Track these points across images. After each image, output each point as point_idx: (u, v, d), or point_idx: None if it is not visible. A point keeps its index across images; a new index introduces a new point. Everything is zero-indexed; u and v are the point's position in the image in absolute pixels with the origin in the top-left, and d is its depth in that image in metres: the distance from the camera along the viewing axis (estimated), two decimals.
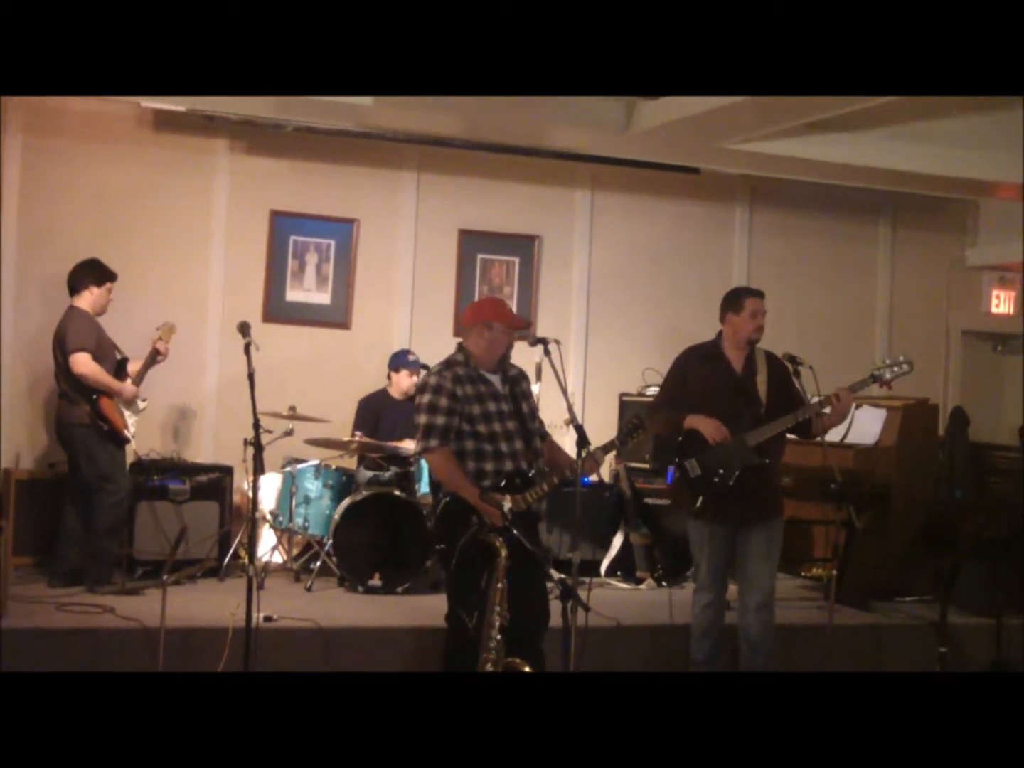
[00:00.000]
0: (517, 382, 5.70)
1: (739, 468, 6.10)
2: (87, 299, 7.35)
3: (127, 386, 7.37)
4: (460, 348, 5.67)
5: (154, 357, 7.52)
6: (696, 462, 6.21)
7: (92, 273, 7.38)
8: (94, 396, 7.19)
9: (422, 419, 5.47)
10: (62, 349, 7.21)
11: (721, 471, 6.14)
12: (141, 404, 7.50)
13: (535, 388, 7.86)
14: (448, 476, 5.43)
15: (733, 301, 6.39)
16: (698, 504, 6.22)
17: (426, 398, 5.48)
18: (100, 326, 7.34)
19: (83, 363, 7.15)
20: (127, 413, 7.37)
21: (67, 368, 7.18)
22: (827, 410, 6.18)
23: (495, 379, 5.61)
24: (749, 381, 6.29)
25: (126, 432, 7.32)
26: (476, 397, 5.50)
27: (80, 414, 7.18)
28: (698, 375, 6.36)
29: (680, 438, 6.30)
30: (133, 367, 7.49)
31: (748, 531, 6.25)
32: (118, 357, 7.46)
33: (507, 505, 5.00)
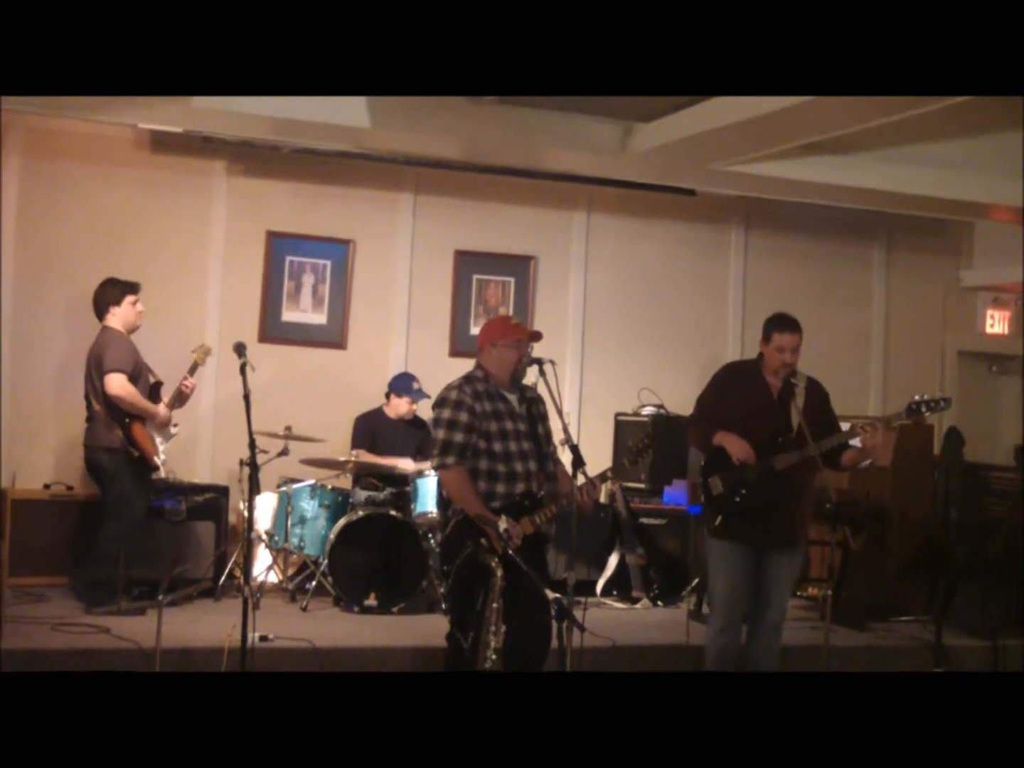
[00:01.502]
0: (535, 403, 5.69)
1: (762, 490, 6.05)
2: (117, 317, 7.30)
3: (161, 408, 7.31)
4: (479, 365, 5.67)
5: (179, 398, 7.48)
6: (720, 479, 6.17)
7: (109, 292, 7.34)
8: (127, 420, 7.13)
9: (440, 434, 5.44)
10: (98, 370, 7.13)
11: (743, 491, 6.07)
12: (173, 430, 7.45)
13: None
14: (461, 495, 5.40)
15: (764, 330, 6.32)
16: (717, 522, 6.18)
17: (446, 413, 5.45)
18: (136, 348, 7.28)
19: (118, 384, 7.06)
20: (158, 439, 7.32)
21: (102, 389, 7.11)
22: (857, 441, 6.11)
23: (513, 398, 5.60)
24: (783, 405, 6.18)
25: (156, 459, 7.26)
26: (494, 414, 5.49)
27: (111, 438, 7.11)
28: (734, 393, 6.29)
29: (707, 455, 6.28)
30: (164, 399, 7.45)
31: (769, 556, 6.18)
32: (152, 380, 7.40)
33: (503, 526, 5.01)
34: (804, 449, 6.00)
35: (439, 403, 5.54)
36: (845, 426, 6.26)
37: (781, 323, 6.29)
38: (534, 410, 5.66)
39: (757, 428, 6.11)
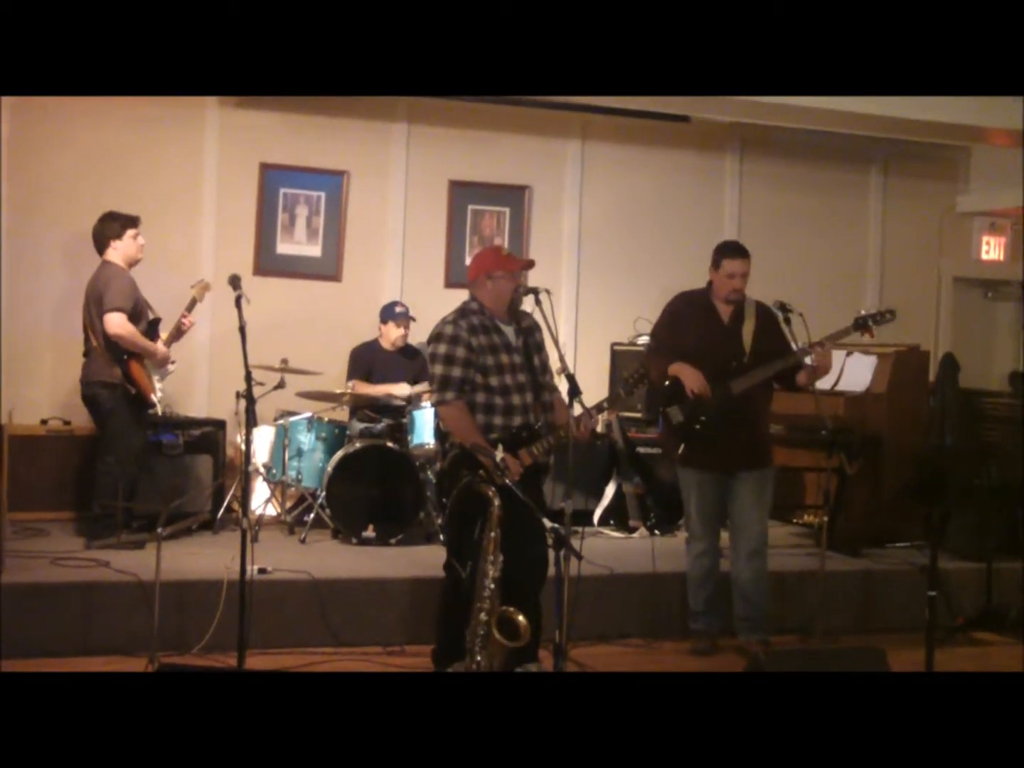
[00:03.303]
0: (531, 333, 5.65)
1: (721, 416, 6.14)
2: (118, 252, 7.25)
3: (159, 347, 7.28)
4: (473, 297, 5.62)
5: (179, 332, 7.46)
6: (679, 409, 6.26)
7: (110, 226, 7.27)
8: (125, 357, 7.09)
9: (438, 370, 5.42)
10: (98, 306, 7.08)
11: (702, 418, 6.19)
12: (170, 367, 7.44)
13: None
14: (461, 430, 5.39)
15: (714, 257, 6.43)
16: (680, 451, 6.28)
17: (442, 348, 5.42)
18: (136, 284, 7.23)
19: (118, 323, 7.02)
20: (155, 377, 7.28)
21: (101, 326, 7.07)
22: (809, 359, 6.19)
23: (509, 330, 5.57)
24: (735, 330, 6.33)
25: (153, 397, 7.23)
26: (490, 348, 5.46)
27: (109, 373, 7.08)
28: (687, 322, 6.42)
29: (665, 385, 6.33)
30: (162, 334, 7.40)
31: (736, 479, 6.31)
32: (150, 317, 7.35)
33: (499, 455, 5.02)
34: (757, 371, 6.15)
35: (435, 338, 5.50)
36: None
37: (731, 250, 6.42)
38: (530, 340, 5.63)
39: (711, 355, 6.26)
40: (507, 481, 4.93)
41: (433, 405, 5.64)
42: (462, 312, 5.54)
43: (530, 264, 5.89)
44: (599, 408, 5.63)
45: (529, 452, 5.38)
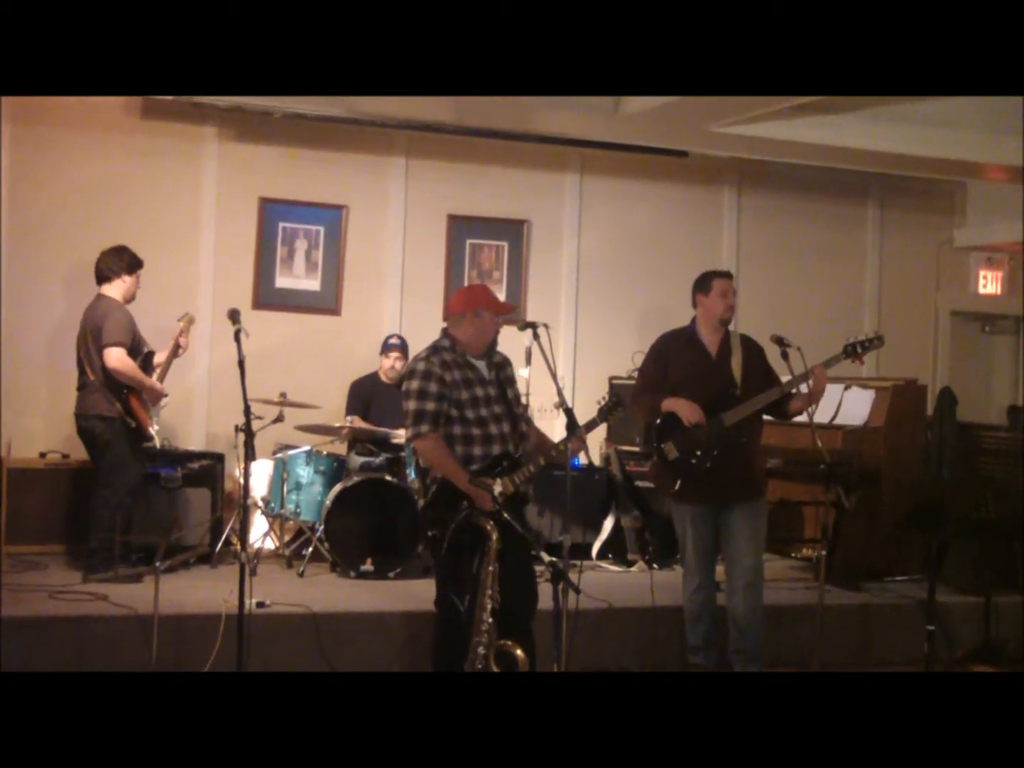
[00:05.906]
0: (502, 368, 5.72)
1: (716, 448, 6.14)
2: (119, 288, 7.24)
3: (156, 384, 7.28)
4: (445, 333, 5.67)
5: (175, 351, 7.45)
6: (673, 444, 6.26)
7: (124, 261, 7.25)
8: (125, 391, 7.09)
9: (411, 405, 5.44)
10: (96, 340, 7.08)
11: (699, 452, 6.19)
12: (164, 401, 7.44)
13: (524, 372, 7.94)
14: (439, 462, 5.41)
15: (701, 284, 6.51)
16: (677, 486, 6.27)
17: (415, 384, 5.45)
18: (133, 319, 7.21)
19: (117, 358, 7.01)
20: (152, 410, 7.28)
21: (99, 360, 7.07)
22: (803, 387, 6.22)
23: (481, 364, 5.61)
24: (724, 363, 6.36)
25: (151, 430, 7.23)
26: (464, 382, 5.49)
27: (106, 407, 7.06)
28: (675, 360, 6.44)
29: (658, 421, 6.34)
30: (158, 359, 7.40)
31: (730, 512, 6.31)
32: (145, 350, 7.34)
33: (497, 489, 5.03)
34: (749, 402, 6.19)
35: (408, 375, 5.55)
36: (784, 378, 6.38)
37: (717, 271, 6.60)
38: (502, 375, 5.70)
39: (701, 388, 6.28)
40: (505, 515, 4.93)
41: (409, 440, 5.63)
42: (434, 349, 5.59)
43: (512, 309, 5.96)
44: (575, 431, 5.59)
45: (511, 480, 5.38)
